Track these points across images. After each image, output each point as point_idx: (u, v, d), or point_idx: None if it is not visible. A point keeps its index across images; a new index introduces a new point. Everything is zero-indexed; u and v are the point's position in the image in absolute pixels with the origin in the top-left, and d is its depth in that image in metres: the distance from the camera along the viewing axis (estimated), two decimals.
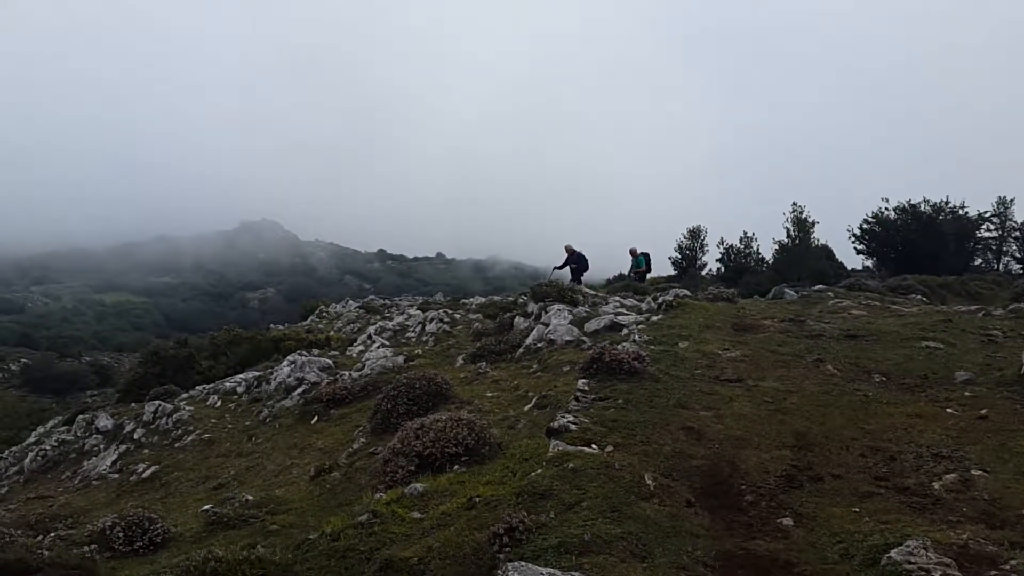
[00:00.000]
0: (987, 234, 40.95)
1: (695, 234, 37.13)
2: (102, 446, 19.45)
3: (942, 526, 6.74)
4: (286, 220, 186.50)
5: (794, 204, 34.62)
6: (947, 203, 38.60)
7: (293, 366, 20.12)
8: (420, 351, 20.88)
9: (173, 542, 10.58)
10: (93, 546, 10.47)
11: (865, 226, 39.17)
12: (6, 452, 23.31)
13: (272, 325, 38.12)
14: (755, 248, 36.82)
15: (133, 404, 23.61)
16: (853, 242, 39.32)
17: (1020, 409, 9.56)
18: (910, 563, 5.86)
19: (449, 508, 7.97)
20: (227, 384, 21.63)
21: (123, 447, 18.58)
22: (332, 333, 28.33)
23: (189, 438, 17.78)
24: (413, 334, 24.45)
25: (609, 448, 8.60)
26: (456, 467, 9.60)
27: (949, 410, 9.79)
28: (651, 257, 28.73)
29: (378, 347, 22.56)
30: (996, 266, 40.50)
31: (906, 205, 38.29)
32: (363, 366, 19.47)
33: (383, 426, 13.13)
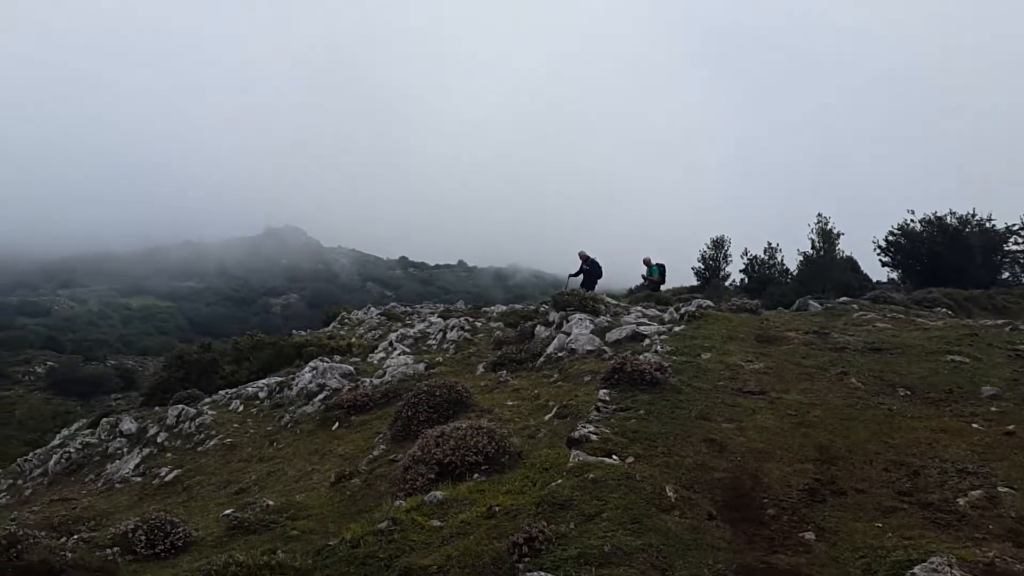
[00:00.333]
0: (1015, 247, 40.36)
1: (718, 244, 36.94)
2: (125, 449, 19.61)
3: (967, 543, 6.66)
4: (309, 226, 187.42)
5: (819, 215, 34.35)
6: (974, 215, 38.14)
7: (315, 372, 20.20)
8: (441, 359, 20.91)
9: (194, 546, 10.65)
10: (115, 549, 10.54)
11: (890, 238, 38.78)
12: (31, 454, 23.55)
13: (294, 331, 38.28)
14: (779, 259, 36.57)
15: (157, 408, 23.81)
16: (878, 254, 38.92)
17: None
18: None
19: (469, 517, 7.97)
20: (249, 389, 21.75)
21: (146, 451, 18.73)
22: (354, 340, 28.42)
23: (211, 442, 17.89)
24: (434, 342, 24.48)
25: (630, 459, 8.57)
26: (476, 476, 9.60)
27: (975, 425, 9.68)
28: (666, 268, 28.53)
29: (399, 354, 22.61)
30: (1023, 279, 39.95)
31: (932, 217, 37.87)
32: (384, 373, 19.52)
33: (403, 433, 13.15)
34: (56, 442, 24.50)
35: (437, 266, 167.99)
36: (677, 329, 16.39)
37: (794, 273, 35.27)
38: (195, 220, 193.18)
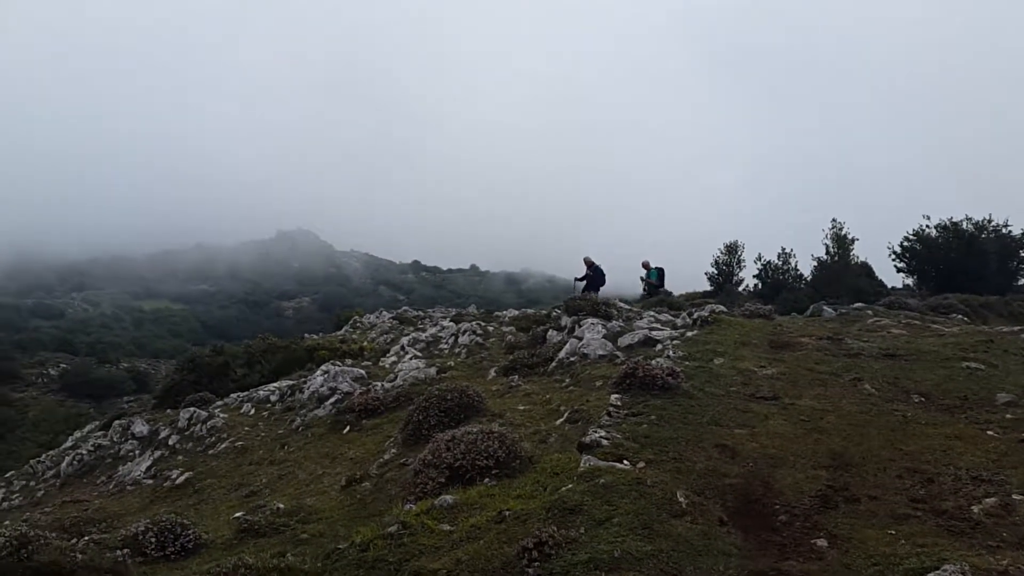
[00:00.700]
0: None
1: (732, 249, 36.86)
2: (137, 451, 19.69)
3: (981, 551, 6.59)
4: (321, 230, 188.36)
5: (833, 220, 34.28)
6: (990, 221, 37.87)
7: (326, 376, 20.22)
8: (452, 363, 20.90)
9: (204, 549, 10.65)
10: (126, 550, 10.56)
11: (905, 243, 38.54)
12: (43, 456, 23.68)
13: (306, 334, 38.31)
14: (793, 264, 36.46)
15: (169, 410, 23.90)
16: (893, 260, 38.67)
17: None
18: None
19: (479, 521, 7.94)
20: (261, 392, 21.79)
21: (158, 453, 18.79)
22: (365, 343, 28.44)
23: (223, 445, 17.93)
24: (446, 346, 24.48)
25: (641, 464, 8.53)
26: (486, 480, 9.56)
27: (990, 432, 9.59)
28: (665, 272, 28.43)
29: (411, 358, 22.62)
30: None
31: (947, 223, 37.63)
32: (395, 377, 19.53)
33: (414, 437, 13.13)
34: (69, 444, 24.63)
35: (449, 270, 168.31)
36: (690, 334, 16.33)
37: (808, 279, 35.15)
38: (207, 224, 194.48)
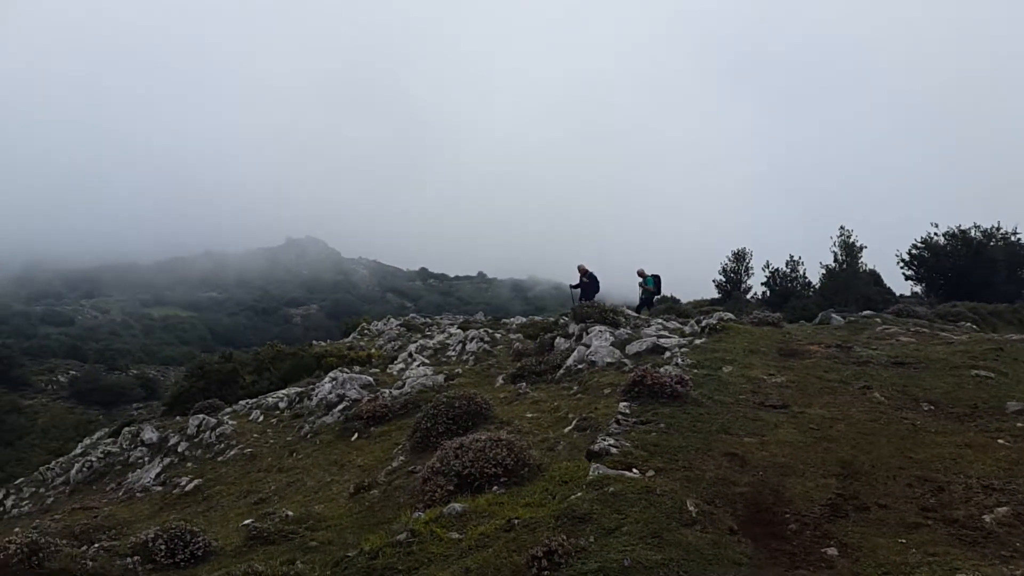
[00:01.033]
0: None
1: (740, 257, 36.83)
2: (147, 458, 19.74)
3: (994, 561, 6.56)
4: (329, 238, 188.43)
5: (842, 228, 34.25)
6: (998, 229, 37.78)
7: (334, 383, 20.26)
8: (460, 370, 20.92)
9: (214, 556, 10.68)
10: (136, 558, 10.59)
11: (914, 251, 38.46)
12: (53, 463, 23.77)
13: (314, 341, 38.39)
14: (801, 272, 36.44)
15: (178, 417, 23.96)
16: (901, 267, 38.61)
17: None
18: None
19: (487, 529, 7.94)
20: (269, 399, 21.85)
21: (167, 460, 18.83)
22: (373, 350, 28.50)
23: (231, 452, 17.97)
24: (453, 353, 24.50)
25: (650, 473, 8.52)
26: (495, 488, 9.56)
27: (1000, 441, 9.55)
28: (661, 279, 28.30)
29: (418, 365, 22.65)
30: None
31: (956, 230, 37.55)
32: (403, 384, 19.55)
33: (422, 445, 13.15)
34: (78, 451, 24.71)
35: (456, 277, 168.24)
36: (698, 342, 16.30)
37: (816, 286, 35.08)
38: (216, 231, 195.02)
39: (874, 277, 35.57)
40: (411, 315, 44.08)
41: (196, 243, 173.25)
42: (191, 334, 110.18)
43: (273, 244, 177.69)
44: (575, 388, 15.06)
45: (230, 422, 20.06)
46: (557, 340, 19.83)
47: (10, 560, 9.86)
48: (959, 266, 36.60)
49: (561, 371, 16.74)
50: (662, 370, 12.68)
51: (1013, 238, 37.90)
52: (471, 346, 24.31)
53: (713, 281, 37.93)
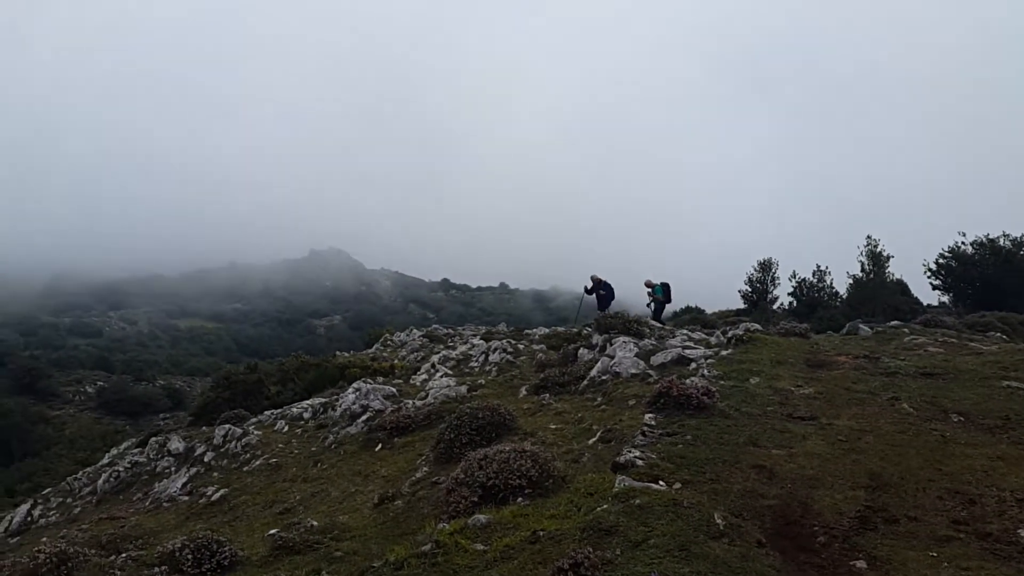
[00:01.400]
0: None
1: (766, 267, 36.58)
2: (173, 468, 19.86)
3: None
4: (352, 249, 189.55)
5: (868, 237, 33.95)
6: None
7: (358, 393, 20.32)
8: (483, 381, 20.91)
9: (240, 566, 10.71)
10: (163, 567, 10.66)
11: (941, 261, 38.04)
12: (80, 472, 23.98)
13: (338, 352, 38.56)
14: (828, 282, 36.13)
15: (204, 427, 24.13)
16: (929, 277, 38.15)
17: None
18: None
19: (512, 541, 7.91)
20: (294, 410, 21.94)
21: (193, 470, 18.95)
22: (396, 361, 28.57)
23: (257, 462, 18.05)
24: (476, 364, 24.50)
25: (677, 485, 8.46)
26: (519, 499, 9.54)
27: None
28: (670, 287, 28.04)
29: (441, 376, 22.67)
30: None
31: (984, 239, 37.09)
32: (427, 395, 19.57)
33: (446, 456, 13.14)
34: (105, 461, 24.92)
35: (479, 288, 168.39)
36: (724, 353, 16.19)
37: (843, 296, 34.76)
38: (240, 243, 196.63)
39: (901, 287, 35.21)
40: (433, 326, 44.15)
41: (221, 255, 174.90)
42: (216, 345, 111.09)
43: (297, 256, 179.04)
44: (599, 399, 15.00)
45: (255, 432, 20.16)
46: (581, 351, 19.77)
47: (40, 570, 9.97)
48: (988, 275, 36.12)
49: (585, 382, 16.68)
50: (688, 381, 12.60)
51: None
52: (494, 357, 24.30)
53: (739, 291, 37.72)
